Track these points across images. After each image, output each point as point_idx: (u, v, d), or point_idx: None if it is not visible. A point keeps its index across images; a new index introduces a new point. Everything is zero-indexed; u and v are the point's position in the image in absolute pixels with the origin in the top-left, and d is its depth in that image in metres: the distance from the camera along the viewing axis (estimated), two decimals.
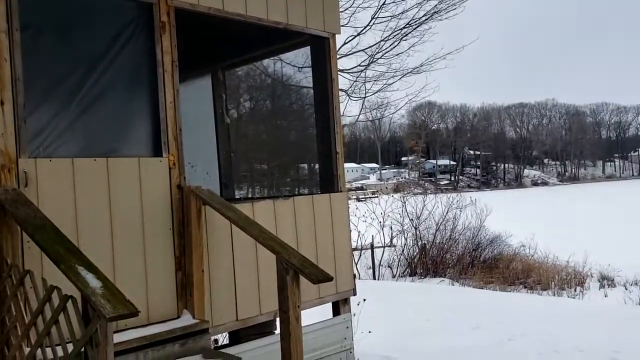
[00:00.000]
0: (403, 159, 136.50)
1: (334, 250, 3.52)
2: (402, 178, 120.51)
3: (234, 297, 3.74)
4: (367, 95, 11.64)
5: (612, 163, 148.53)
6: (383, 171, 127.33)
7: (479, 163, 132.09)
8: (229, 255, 3.79)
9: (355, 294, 3.69)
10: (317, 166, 4.45)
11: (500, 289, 15.53)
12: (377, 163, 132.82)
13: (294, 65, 6.19)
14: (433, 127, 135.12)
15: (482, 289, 15.48)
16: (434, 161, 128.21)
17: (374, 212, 16.72)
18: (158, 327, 3.34)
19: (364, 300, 6.14)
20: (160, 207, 3.64)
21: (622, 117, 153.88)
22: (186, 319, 3.47)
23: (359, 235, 16.89)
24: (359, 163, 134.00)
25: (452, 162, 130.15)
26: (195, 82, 6.56)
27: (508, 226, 19.42)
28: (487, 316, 8.90)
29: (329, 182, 3.67)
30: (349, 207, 3.66)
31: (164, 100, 3.75)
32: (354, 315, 4.63)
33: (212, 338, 4.02)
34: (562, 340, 7.16)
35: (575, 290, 15.47)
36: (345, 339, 3.51)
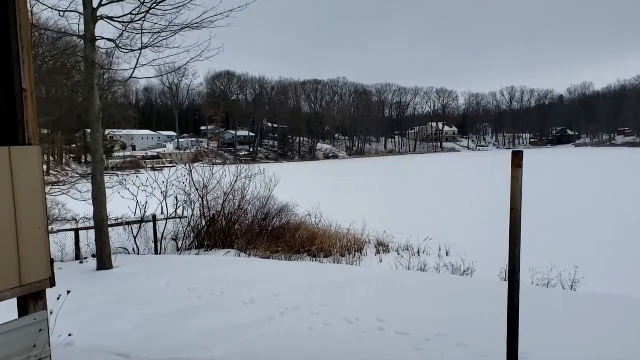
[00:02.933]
0: (202, 128, 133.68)
1: (16, 227, 2.51)
2: (201, 147, 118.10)
3: None
4: (142, 47, 10.30)
5: (392, 139, 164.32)
6: (181, 140, 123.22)
7: (276, 135, 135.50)
8: None
9: (53, 285, 2.74)
10: None
11: (285, 257, 15.57)
12: (174, 131, 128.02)
13: None
14: (232, 98, 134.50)
15: (269, 258, 15.35)
16: (233, 132, 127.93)
17: (156, 181, 15.42)
18: None
19: (68, 292, 5.27)
20: None
21: (402, 98, 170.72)
22: None
23: (137, 205, 15.49)
24: (155, 130, 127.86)
25: (251, 134, 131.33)
26: None
27: (296, 196, 19.66)
28: (265, 289, 8.52)
29: (8, 130, 2.61)
30: (43, 169, 2.65)
31: None
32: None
33: None
34: (334, 311, 7.03)
35: (354, 257, 16.18)
36: (35, 346, 2.56)
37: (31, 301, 2.70)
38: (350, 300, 7.63)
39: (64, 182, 16.40)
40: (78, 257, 13.14)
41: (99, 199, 10.69)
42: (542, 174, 50.75)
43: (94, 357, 5.07)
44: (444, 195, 35.79)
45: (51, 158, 76.30)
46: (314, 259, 16.03)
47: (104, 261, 10.78)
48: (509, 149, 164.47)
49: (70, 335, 5.06)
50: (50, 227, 18.22)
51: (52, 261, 2.79)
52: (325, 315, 6.84)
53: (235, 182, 16.85)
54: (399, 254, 16.59)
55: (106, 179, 16.01)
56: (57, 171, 60.88)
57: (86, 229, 14.60)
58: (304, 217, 18.88)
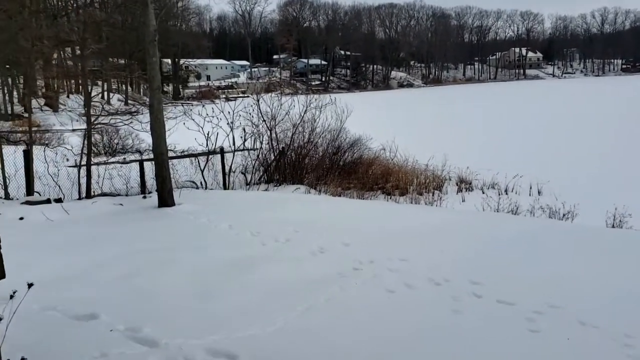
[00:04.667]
0: (275, 57, 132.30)
1: None
2: (273, 77, 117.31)
3: None
4: None
5: (472, 66, 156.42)
6: (254, 69, 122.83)
7: (349, 64, 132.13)
8: None
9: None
10: None
11: (357, 195, 14.55)
12: (247, 60, 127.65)
13: None
14: (305, 25, 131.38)
15: (340, 195, 14.40)
16: (305, 60, 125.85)
17: (222, 112, 14.55)
18: None
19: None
20: None
21: (483, 21, 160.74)
22: None
23: (207, 138, 14.77)
24: (228, 60, 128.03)
25: (323, 62, 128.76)
26: None
27: (369, 128, 18.36)
28: (335, 235, 7.52)
29: None
30: None
31: None
32: None
33: None
34: (415, 268, 5.92)
35: (433, 195, 14.91)
36: None
37: None
38: (434, 254, 6.48)
39: (129, 112, 15.89)
40: (143, 191, 12.69)
41: (157, 131, 9.92)
42: None
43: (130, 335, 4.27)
44: (532, 127, 32.87)
45: (129, 88, 78.14)
46: (388, 197, 14.91)
47: (164, 198, 10.14)
48: (597, 75, 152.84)
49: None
50: (122, 157, 18.10)
51: None
52: (406, 273, 5.75)
53: (305, 113, 15.72)
54: (483, 193, 15.14)
55: (170, 108, 15.44)
56: (134, 101, 62.17)
57: (151, 159, 14.07)
58: (378, 151, 17.61)
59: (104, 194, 12.36)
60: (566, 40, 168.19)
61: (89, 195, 11.84)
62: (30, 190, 10.71)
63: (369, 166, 16.29)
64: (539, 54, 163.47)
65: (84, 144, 11.98)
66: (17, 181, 10.79)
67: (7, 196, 10.50)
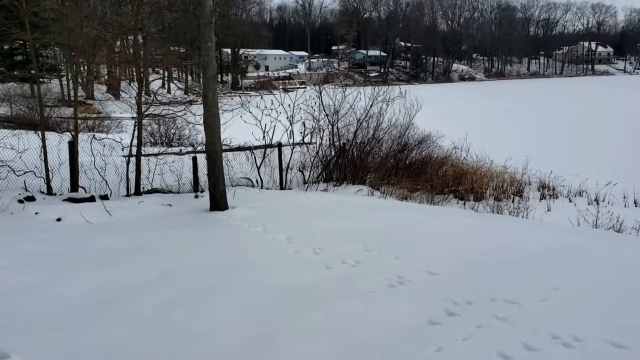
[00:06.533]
0: (333, 48, 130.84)
1: None
2: (331, 68, 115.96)
3: None
4: None
5: (537, 60, 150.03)
6: (312, 60, 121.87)
7: (409, 55, 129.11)
8: None
9: None
10: None
11: (427, 199, 13.13)
12: (306, 51, 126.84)
13: None
14: (365, 15, 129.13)
15: (407, 199, 13.03)
16: (364, 51, 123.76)
17: (281, 104, 13.42)
18: None
19: None
20: None
21: (551, 14, 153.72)
22: None
23: (264, 132, 13.68)
24: (287, 50, 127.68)
25: (382, 54, 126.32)
26: None
27: (436, 124, 16.82)
28: (413, 257, 6.22)
29: None
30: None
31: None
32: None
33: None
34: (531, 316, 4.54)
35: (512, 201, 13.30)
36: None
37: None
38: (549, 294, 5.05)
39: (183, 102, 15.03)
40: (195, 189, 11.74)
41: (211, 125, 8.86)
42: None
43: None
44: (619, 129, 30.17)
45: (189, 77, 78.76)
46: (462, 202, 13.42)
47: (217, 200, 9.10)
48: None
49: None
50: (179, 149, 17.30)
51: None
52: (520, 325, 4.36)
53: (371, 106, 14.39)
54: (570, 201, 13.40)
55: (225, 100, 14.45)
56: (193, 91, 62.36)
57: (203, 152, 13.08)
58: (449, 150, 16.07)
59: (154, 190, 11.49)
60: None
61: (138, 192, 10.99)
62: (74, 185, 9.90)
63: (439, 166, 14.80)
64: (610, 49, 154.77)
65: (133, 134, 11.11)
66: (60, 174, 9.99)
67: (49, 191, 9.72)
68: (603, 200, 13.10)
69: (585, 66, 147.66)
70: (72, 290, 5.15)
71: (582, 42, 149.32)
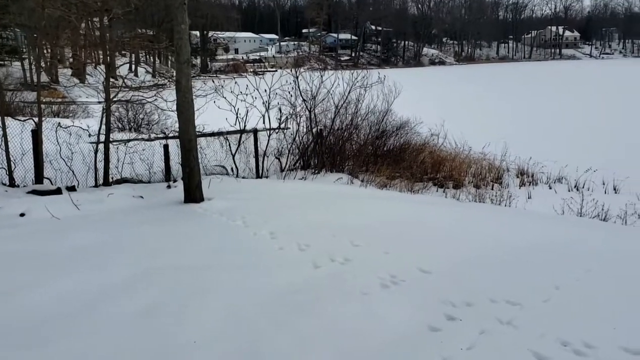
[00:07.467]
0: (304, 31, 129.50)
1: None
2: (302, 52, 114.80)
3: None
4: None
5: (506, 44, 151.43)
6: (282, 43, 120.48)
7: (380, 39, 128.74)
8: None
9: None
10: None
11: (407, 186, 12.91)
12: (276, 34, 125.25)
13: None
14: None
15: (386, 186, 12.79)
16: (335, 35, 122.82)
17: (257, 89, 12.93)
18: None
19: None
20: None
21: None
22: None
23: (237, 118, 13.19)
24: (257, 33, 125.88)
25: (353, 37, 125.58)
26: None
27: (416, 110, 16.59)
28: (403, 253, 5.94)
29: None
30: None
31: None
32: None
33: None
34: (537, 319, 4.29)
35: (492, 188, 13.18)
36: None
37: None
38: (550, 292, 4.81)
39: (155, 84, 14.40)
40: (168, 178, 11.24)
41: (184, 113, 8.37)
42: None
43: None
44: (594, 113, 30.32)
45: (157, 60, 76.84)
46: (441, 189, 13.24)
47: (192, 192, 8.65)
48: (637, 57, 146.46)
49: None
50: (148, 135, 16.62)
51: None
52: (526, 329, 4.11)
53: (349, 92, 14.03)
54: (550, 188, 13.35)
55: (199, 85, 13.88)
56: (161, 74, 60.80)
57: (175, 137, 12.50)
58: (427, 137, 15.84)
59: (124, 180, 10.95)
60: (605, 19, 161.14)
61: (107, 182, 10.44)
62: (39, 176, 9.31)
63: (418, 153, 14.57)
64: (576, 34, 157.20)
65: (101, 121, 10.52)
66: (23, 165, 9.38)
67: (11, 183, 9.11)
68: (583, 187, 13.06)
69: (553, 50, 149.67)
70: (39, 297, 4.70)
71: (549, 27, 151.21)
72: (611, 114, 30.01)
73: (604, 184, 13.19)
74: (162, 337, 4.03)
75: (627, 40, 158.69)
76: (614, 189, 12.96)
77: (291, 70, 14.23)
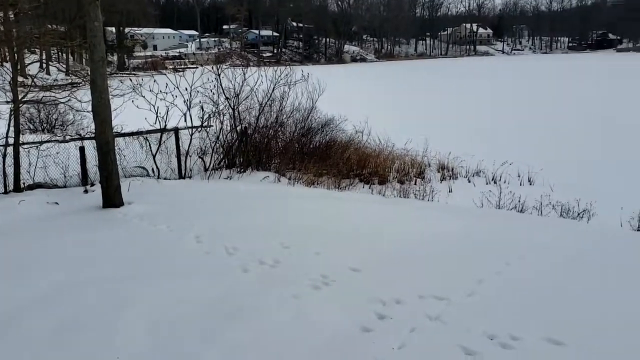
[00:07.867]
0: (225, 27, 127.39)
1: None
2: (223, 48, 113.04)
3: None
4: None
5: (423, 42, 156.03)
6: (203, 39, 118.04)
7: (301, 36, 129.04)
8: None
9: None
10: None
11: (334, 184, 12.97)
12: (196, 30, 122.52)
13: None
14: None
15: (314, 184, 12.79)
16: (256, 31, 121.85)
17: (177, 87, 12.52)
18: None
19: None
20: None
21: None
22: None
23: (157, 117, 12.72)
24: (176, 29, 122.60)
25: (275, 34, 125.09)
26: None
27: (340, 107, 16.70)
28: (335, 252, 5.94)
29: None
30: None
31: None
32: None
33: None
34: (464, 314, 4.40)
35: (415, 183, 13.50)
36: None
37: None
38: (474, 286, 4.96)
39: (69, 83, 13.62)
40: (84, 182, 10.67)
41: (101, 115, 7.95)
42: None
43: None
44: (508, 108, 31.63)
45: (70, 57, 73.03)
46: (367, 185, 13.41)
47: (111, 196, 8.25)
48: (545, 53, 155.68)
49: None
50: (62, 136, 15.72)
51: None
52: (454, 324, 4.20)
53: (273, 90, 13.90)
54: (469, 182, 13.85)
55: (116, 83, 13.25)
56: (75, 73, 57.84)
57: (91, 138, 11.85)
58: (352, 134, 15.99)
59: (37, 185, 10.29)
60: (515, 17, 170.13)
61: (17, 188, 9.76)
62: None
63: (343, 151, 14.68)
64: (489, 30, 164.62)
65: (9, 123, 9.81)
66: None
67: None
68: (500, 179, 13.64)
69: (468, 47, 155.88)
70: None
71: (464, 24, 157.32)
72: (520, 108, 31.63)
73: (519, 176, 13.85)
74: (83, 354, 3.79)
75: (535, 37, 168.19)
76: (529, 181, 13.64)
77: (213, 67, 13.90)
